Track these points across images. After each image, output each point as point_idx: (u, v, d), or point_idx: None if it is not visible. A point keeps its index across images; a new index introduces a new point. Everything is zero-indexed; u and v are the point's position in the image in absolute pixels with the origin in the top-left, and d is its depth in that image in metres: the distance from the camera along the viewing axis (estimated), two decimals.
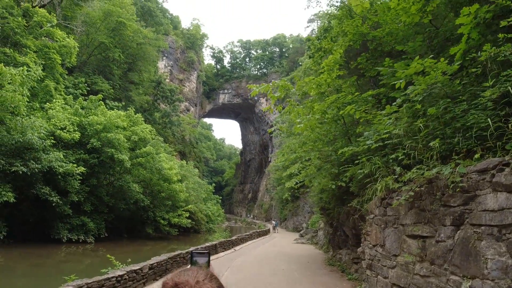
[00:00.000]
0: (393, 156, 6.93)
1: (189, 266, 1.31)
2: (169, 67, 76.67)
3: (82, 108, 27.27)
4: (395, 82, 6.84)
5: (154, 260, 10.72)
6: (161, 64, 73.18)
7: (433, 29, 10.11)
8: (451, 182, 4.97)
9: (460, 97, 5.69)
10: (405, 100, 7.17)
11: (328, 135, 14.14)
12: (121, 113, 28.18)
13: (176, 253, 12.88)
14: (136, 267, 9.42)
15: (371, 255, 7.44)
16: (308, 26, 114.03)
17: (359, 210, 10.29)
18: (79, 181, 23.18)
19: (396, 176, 6.24)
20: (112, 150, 24.68)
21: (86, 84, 35.86)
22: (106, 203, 26.31)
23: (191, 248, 15.20)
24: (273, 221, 51.25)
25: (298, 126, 12.32)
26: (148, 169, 29.63)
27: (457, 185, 4.81)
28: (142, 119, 31.64)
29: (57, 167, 21.24)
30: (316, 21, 79.28)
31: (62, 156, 21.83)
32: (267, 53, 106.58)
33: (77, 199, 23.25)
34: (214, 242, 18.66)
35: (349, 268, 12.86)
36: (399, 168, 6.25)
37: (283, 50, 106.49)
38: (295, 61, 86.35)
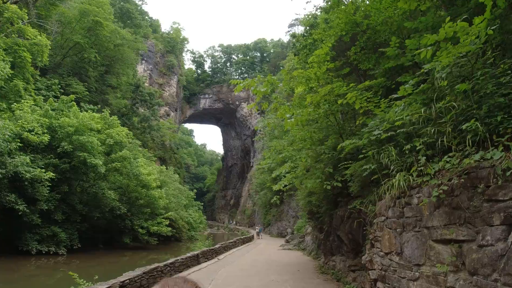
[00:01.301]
0: (408, 146, 5.85)
1: None
2: (148, 71, 74.72)
3: (53, 109, 25.40)
4: (410, 61, 5.82)
5: (126, 276, 9.09)
6: (140, 68, 71.23)
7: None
8: (502, 169, 3.88)
9: (502, 66, 4.65)
10: (421, 80, 6.13)
11: (318, 132, 13.19)
12: (95, 115, 26.41)
13: (153, 266, 11.29)
14: (103, 286, 7.88)
15: (384, 265, 6.29)
16: (289, 31, 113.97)
17: (360, 211, 9.19)
18: (48, 188, 21.39)
19: (421, 168, 5.11)
20: (85, 154, 22.88)
21: (59, 86, 33.77)
22: (79, 211, 24.43)
23: (171, 260, 13.78)
24: (256, 227, 50.05)
25: (289, 121, 11.24)
26: (125, 174, 27.91)
27: None
28: (119, 122, 29.88)
29: (24, 172, 19.62)
30: (297, 26, 79.25)
31: (29, 161, 20.10)
32: (248, 57, 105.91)
33: (46, 208, 21.56)
34: (195, 252, 17.19)
35: (345, 276, 11.71)
36: (424, 158, 5.13)
37: (264, 55, 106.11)
38: (277, 65, 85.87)
